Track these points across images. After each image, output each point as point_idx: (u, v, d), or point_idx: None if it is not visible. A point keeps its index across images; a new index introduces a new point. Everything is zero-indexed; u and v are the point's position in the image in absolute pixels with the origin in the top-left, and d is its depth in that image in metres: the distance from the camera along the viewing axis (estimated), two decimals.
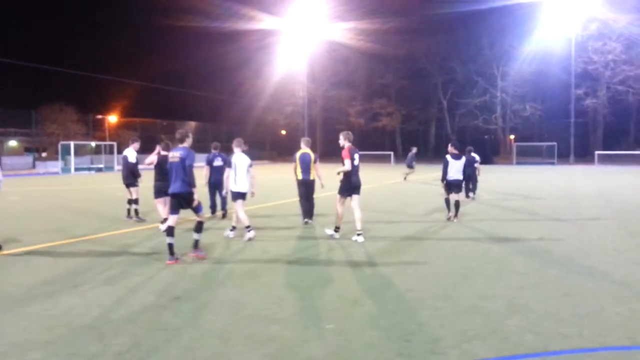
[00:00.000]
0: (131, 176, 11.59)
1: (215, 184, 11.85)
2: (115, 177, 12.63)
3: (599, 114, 55.22)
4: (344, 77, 63.64)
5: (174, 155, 7.51)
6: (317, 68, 61.93)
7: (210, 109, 64.24)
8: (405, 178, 25.13)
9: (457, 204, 11.57)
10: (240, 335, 4.51)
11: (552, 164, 47.02)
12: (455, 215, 11.53)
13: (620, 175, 30.49)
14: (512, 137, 60.57)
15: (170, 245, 7.37)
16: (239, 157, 9.31)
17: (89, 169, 39.51)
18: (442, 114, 64.96)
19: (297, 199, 11.40)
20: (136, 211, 11.62)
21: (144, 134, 52.32)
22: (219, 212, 12.14)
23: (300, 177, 11.02)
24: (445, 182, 11.74)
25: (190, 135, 7.86)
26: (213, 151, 12.27)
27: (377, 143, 67.49)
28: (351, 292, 5.83)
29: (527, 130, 60.67)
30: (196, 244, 7.69)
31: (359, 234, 8.99)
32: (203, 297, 5.65)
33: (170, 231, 7.43)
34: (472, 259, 7.58)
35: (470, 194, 16.24)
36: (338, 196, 9.26)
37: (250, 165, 9.38)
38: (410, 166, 24.89)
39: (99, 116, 53.75)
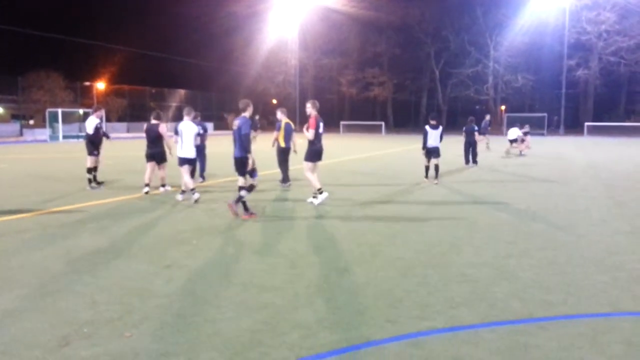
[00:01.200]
0: (90, 145, 11.79)
1: (198, 150, 11.75)
2: (104, 145, 12.47)
3: (590, 85, 55.17)
4: (337, 45, 62.82)
5: (235, 123, 8.28)
6: (309, 36, 60.99)
7: (200, 77, 63.39)
8: (488, 147, 24.57)
9: (437, 167, 12.95)
10: (232, 302, 4.56)
11: (542, 134, 47.23)
12: (436, 177, 12.85)
13: (609, 146, 30.73)
14: (503, 107, 60.56)
15: (244, 202, 8.31)
16: (186, 125, 9.90)
17: (77, 137, 39.09)
18: (435, 84, 64.61)
19: (275, 169, 12.27)
20: (94, 178, 11.85)
21: (132, 101, 51.81)
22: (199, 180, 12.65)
23: (283, 144, 12.15)
24: (425, 149, 12.90)
25: (251, 105, 8.53)
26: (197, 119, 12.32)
27: (368, 113, 67.27)
28: (341, 261, 5.90)
29: (518, 101, 60.64)
30: (245, 206, 8.37)
31: (314, 196, 9.69)
32: (194, 265, 5.69)
33: (250, 190, 8.42)
34: (460, 227, 7.68)
35: (472, 163, 17.79)
36: (306, 164, 9.64)
37: (198, 134, 10.04)
38: (483, 134, 23.37)
39: (87, 83, 52.83)
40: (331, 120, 61.40)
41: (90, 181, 11.81)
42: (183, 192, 10.15)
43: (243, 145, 8.19)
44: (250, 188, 8.46)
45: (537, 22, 52.36)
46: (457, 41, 58.95)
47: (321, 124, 9.70)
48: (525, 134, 23.33)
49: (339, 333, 3.91)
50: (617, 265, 5.75)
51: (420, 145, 13.19)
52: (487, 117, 24.81)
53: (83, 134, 39.84)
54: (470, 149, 17.86)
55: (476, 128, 17.84)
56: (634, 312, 4.38)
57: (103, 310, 4.37)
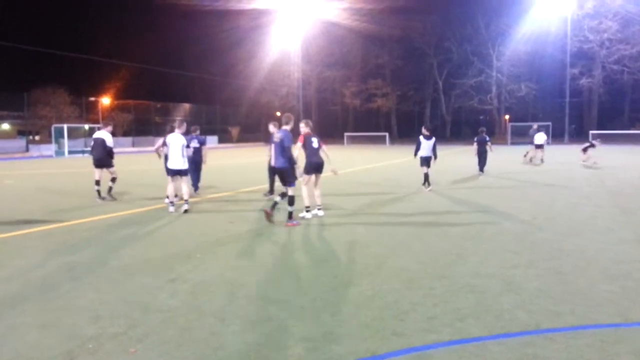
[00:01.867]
0: (108, 157, 12.20)
1: (197, 163, 12.78)
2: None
3: (594, 94, 55.13)
4: (339, 58, 63.15)
5: (277, 136, 8.89)
6: (312, 49, 61.35)
7: (204, 90, 63.84)
8: (540, 159, 23.87)
9: (426, 176, 13.75)
10: (236, 315, 4.54)
11: (547, 143, 47.02)
12: (425, 183, 13.76)
13: (614, 154, 30.60)
14: (507, 117, 60.53)
15: (274, 204, 8.86)
16: (174, 138, 10.31)
17: (83, 152, 39.30)
18: (438, 94, 64.75)
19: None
20: (110, 189, 12.20)
21: (138, 116, 52.15)
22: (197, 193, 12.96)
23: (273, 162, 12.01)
24: (418, 157, 13.82)
25: (292, 119, 9.15)
26: (192, 134, 12.90)
27: (372, 124, 67.40)
28: (346, 273, 5.88)
29: (521, 110, 60.59)
30: (290, 215, 8.83)
31: (319, 209, 9.68)
32: (198, 278, 5.68)
33: (283, 197, 8.87)
34: (466, 238, 7.64)
35: (481, 171, 18.35)
36: (303, 176, 9.55)
37: (187, 146, 10.40)
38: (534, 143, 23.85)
39: (92, 98, 53.26)
40: (335, 131, 61.59)
41: (110, 189, 12.24)
42: (172, 203, 10.40)
43: (287, 156, 8.79)
44: (283, 195, 8.92)
45: (538, 31, 52.51)
46: (459, 52, 59.16)
47: (314, 139, 9.50)
48: (592, 145, 23.59)
49: (344, 346, 3.88)
50: (625, 274, 5.69)
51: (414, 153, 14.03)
52: (535, 126, 25.34)
53: (88, 148, 39.91)
54: (482, 158, 18.39)
55: (487, 138, 18.42)
56: None
57: (107, 325, 4.36)
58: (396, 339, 4.01)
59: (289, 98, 63.99)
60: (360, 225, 8.75)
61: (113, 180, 12.25)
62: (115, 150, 12.72)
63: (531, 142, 24.34)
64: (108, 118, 50.69)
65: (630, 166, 21.42)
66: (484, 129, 18.96)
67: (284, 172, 8.94)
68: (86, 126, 45.84)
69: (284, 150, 8.82)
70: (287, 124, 9.00)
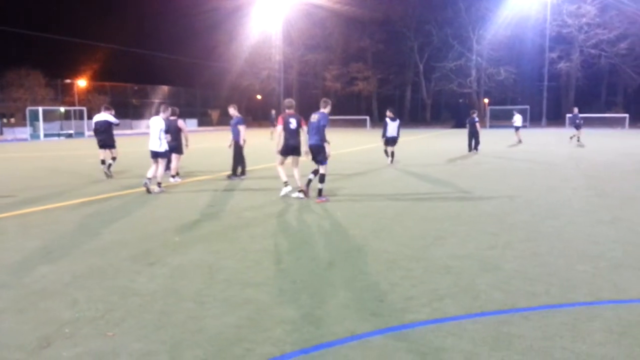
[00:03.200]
0: (111, 138, 13.24)
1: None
2: (86, 143, 12.43)
3: (571, 78, 55.87)
4: (321, 41, 62.77)
5: (314, 117, 9.55)
6: (293, 31, 60.79)
7: (183, 73, 62.90)
8: (578, 140, 24.66)
9: (392, 153, 15.94)
10: (215, 299, 4.53)
11: (525, 127, 47.65)
12: (391, 161, 15.78)
13: (590, 137, 31.11)
14: (486, 100, 61.00)
15: (309, 181, 9.65)
16: (154, 121, 10.75)
17: (59, 135, 38.59)
18: (418, 78, 64.89)
19: (266, 164, 12.29)
20: (109, 165, 13.14)
21: (114, 98, 51.21)
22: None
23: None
24: (384, 138, 15.87)
25: (330, 103, 9.89)
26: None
27: (353, 107, 67.35)
28: (326, 255, 5.90)
29: (501, 93, 61.16)
30: (320, 192, 9.44)
31: (299, 190, 9.79)
32: (177, 262, 5.64)
33: (315, 174, 9.61)
34: (445, 219, 7.72)
35: (474, 150, 20.35)
36: (277, 157, 9.99)
37: (164, 130, 10.72)
38: (578, 126, 24.98)
39: (68, 80, 52.14)
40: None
41: (109, 165, 13.19)
42: (159, 184, 10.74)
43: (321, 135, 9.44)
44: (322, 177, 9.57)
45: (519, 16, 52.82)
46: (440, 35, 59.24)
47: (292, 120, 9.68)
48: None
49: (324, 327, 3.90)
50: (599, 254, 5.81)
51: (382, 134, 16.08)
52: (576, 110, 26.30)
53: (64, 131, 39.10)
54: (473, 138, 20.51)
55: (477, 119, 20.60)
56: (615, 300, 4.43)
57: (84, 309, 4.31)
58: (375, 320, 4.04)
59: (270, 81, 63.55)
60: (341, 208, 8.77)
61: (113, 159, 13.30)
62: (92, 133, 13.21)
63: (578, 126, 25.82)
64: (82, 101, 49.76)
65: (606, 149, 21.82)
66: (475, 110, 21.28)
67: (317, 150, 9.48)
68: (62, 109, 44.94)
69: (319, 129, 9.42)
70: (324, 107, 9.70)
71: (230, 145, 13.13)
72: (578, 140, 24.58)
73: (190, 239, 6.72)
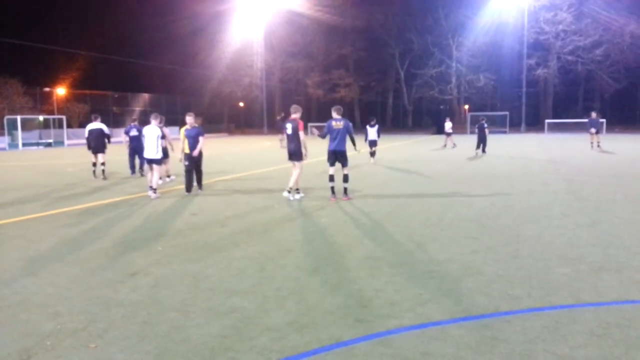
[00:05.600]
0: (103, 145, 14.87)
1: (134, 149, 14.78)
2: (66, 152, 12.33)
3: (549, 84, 56.86)
4: (302, 48, 62.86)
5: (338, 124, 10.17)
6: (275, 38, 60.83)
7: (164, 80, 62.32)
8: (598, 145, 24.86)
9: (374, 153, 19.20)
10: (199, 308, 4.50)
11: (504, 132, 48.36)
12: (373, 159, 18.87)
13: (569, 142, 31.68)
14: (466, 106, 61.71)
15: (332, 188, 10.30)
16: (149, 129, 11.28)
17: (37, 144, 37.97)
18: (400, 84, 65.41)
19: (247, 172, 12.22)
20: (103, 171, 14.66)
21: (94, 106, 50.50)
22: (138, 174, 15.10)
23: (187, 151, 11.40)
24: (367, 142, 19.06)
25: (341, 110, 10.55)
26: (132, 124, 15.37)
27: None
28: (310, 262, 5.90)
29: (480, 100, 62.02)
30: (345, 191, 10.36)
31: (297, 191, 10.55)
32: (160, 272, 5.59)
33: (331, 178, 10.30)
34: (427, 225, 7.78)
35: (480, 151, 22.70)
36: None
37: (161, 137, 11.29)
38: (598, 131, 25.30)
39: (47, 89, 51.37)
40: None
41: (96, 173, 14.79)
42: (154, 189, 11.06)
43: (354, 140, 10.53)
44: (346, 177, 10.38)
45: (497, 23, 53.71)
46: (420, 42, 59.86)
47: (288, 125, 10.45)
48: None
49: (309, 335, 3.91)
50: (578, 257, 5.92)
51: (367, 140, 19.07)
52: (594, 115, 26.23)
53: (43, 140, 38.52)
54: (481, 143, 22.86)
55: (486, 125, 22.91)
56: (595, 302, 4.51)
57: (66, 321, 4.25)
58: (359, 326, 4.06)
59: (252, 88, 63.41)
60: (325, 215, 8.78)
61: (103, 164, 14.74)
62: (72, 142, 13.55)
63: (449, 134, 28.30)
64: (61, 109, 49.11)
65: (584, 154, 22.21)
66: (484, 117, 24.00)
67: (343, 155, 10.23)
68: (41, 117, 44.25)
69: (345, 137, 10.18)
70: (338, 113, 10.32)
71: (180, 160, 11.68)
72: (598, 146, 24.70)
73: (174, 248, 6.67)
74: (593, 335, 3.82)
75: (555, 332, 3.87)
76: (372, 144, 19.32)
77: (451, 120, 28.94)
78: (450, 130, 28.39)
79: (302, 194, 10.63)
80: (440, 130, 51.00)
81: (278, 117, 32.73)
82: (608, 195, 10.54)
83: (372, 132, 19.27)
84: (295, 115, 10.31)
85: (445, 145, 28.21)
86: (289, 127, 10.37)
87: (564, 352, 3.56)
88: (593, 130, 24.88)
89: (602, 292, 4.77)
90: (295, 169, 10.44)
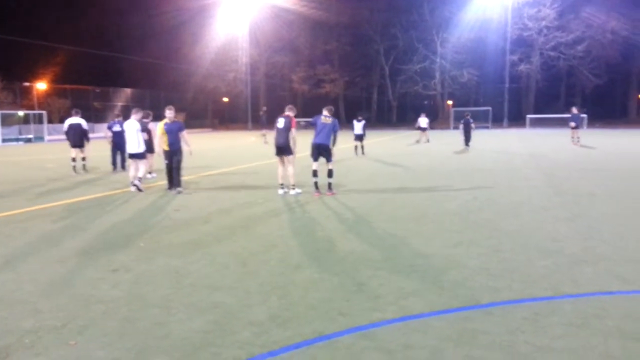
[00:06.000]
0: (83, 140, 15.03)
1: (117, 145, 14.95)
2: (46, 148, 12.20)
3: (532, 79, 57.41)
4: (287, 43, 62.57)
5: (327, 119, 10.38)
6: (260, 33, 60.46)
7: (147, 74, 61.48)
8: (578, 140, 25.03)
9: (360, 147, 20.20)
10: (181, 304, 4.48)
11: (487, 127, 48.78)
12: (362, 153, 20.15)
13: (550, 137, 32.07)
14: (450, 102, 62.08)
15: (315, 183, 10.36)
16: (129, 123, 11.47)
17: (17, 140, 37.36)
18: (385, 80, 65.49)
19: (231, 167, 12.10)
20: (84, 166, 15.12)
21: (75, 101, 49.80)
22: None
23: (166, 147, 10.71)
24: (354, 136, 20.33)
25: (332, 110, 10.76)
26: (115, 119, 15.56)
27: (320, 109, 67.15)
28: (294, 257, 5.90)
29: (464, 95, 62.37)
30: (330, 186, 10.46)
31: (293, 188, 10.48)
32: (142, 268, 5.54)
33: (314, 173, 10.36)
34: (410, 219, 7.83)
35: (466, 146, 23.62)
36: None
37: (141, 131, 11.44)
38: (578, 126, 25.54)
39: (27, 83, 50.51)
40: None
41: (76, 169, 14.88)
42: (139, 180, 11.21)
43: (336, 139, 10.51)
44: (331, 173, 10.45)
45: (481, 19, 54.01)
46: (405, 38, 59.99)
47: (279, 120, 10.50)
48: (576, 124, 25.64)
49: (292, 329, 3.91)
50: (558, 250, 6.00)
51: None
52: (574, 110, 26.44)
53: (23, 136, 38.00)
54: (467, 136, 23.87)
55: (471, 120, 24.33)
56: (574, 294, 4.58)
57: (46, 318, 4.20)
58: (342, 319, 4.07)
59: (236, 83, 62.98)
60: (310, 210, 8.79)
61: (83, 158, 15.17)
62: (52, 137, 13.54)
63: (425, 129, 28.80)
64: (42, 104, 48.37)
65: (565, 149, 22.51)
66: (469, 113, 25.53)
67: (327, 150, 10.34)
68: (20, 112, 43.54)
69: (331, 133, 10.37)
70: (329, 113, 10.52)
71: (165, 157, 10.90)
72: (578, 141, 24.98)
73: (156, 243, 6.62)
74: (572, 326, 3.88)
75: (535, 324, 3.93)
76: (358, 138, 20.21)
77: (427, 116, 29.35)
78: (426, 126, 28.76)
79: (299, 190, 10.53)
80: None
81: (261, 112, 32.78)
82: (588, 189, 10.70)
83: (358, 126, 20.25)
84: (289, 113, 10.44)
85: (418, 140, 28.57)
86: (280, 122, 10.36)
87: (543, 342, 3.61)
88: (572, 124, 25.25)
89: (581, 284, 4.84)
90: (287, 164, 10.44)
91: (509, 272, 5.19)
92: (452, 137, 32.95)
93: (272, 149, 10.88)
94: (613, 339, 3.64)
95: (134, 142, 11.30)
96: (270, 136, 10.74)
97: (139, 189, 10.98)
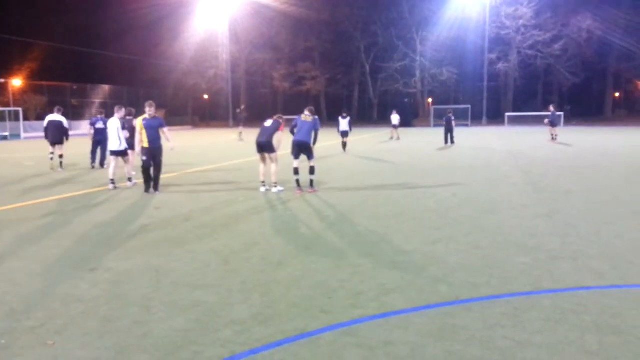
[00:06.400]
0: (62, 136, 15.03)
1: (98, 142, 15.22)
2: (23, 145, 11.97)
3: (510, 78, 58.21)
4: (268, 40, 62.37)
5: (307, 118, 10.40)
6: (240, 30, 60.16)
7: (125, 71, 60.67)
8: (555, 137, 25.34)
9: (345, 144, 20.98)
10: (162, 302, 4.43)
11: (466, 125, 49.28)
12: (344, 150, 20.65)
13: (528, 135, 32.53)
14: (430, 100, 62.55)
15: (297, 181, 10.36)
16: (111, 121, 11.55)
17: None
18: (365, 78, 65.75)
19: (212, 165, 11.94)
20: (61, 163, 14.94)
21: (52, 98, 48.91)
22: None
23: (146, 145, 10.21)
24: (339, 132, 21.05)
25: (313, 110, 10.83)
26: (98, 116, 15.86)
27: (302, 107, 67.01)
28: (275, 255, 5.89)
29: (444, 93, 62.97)
30: (311, 183, 10.46)
31: (275, 185, 10.46)
32: (121, 267, 5.48)
33: (295, 170, 10.32)
34: (391, 216, 7.87)
35: (449, 143, 24.12)
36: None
37: (122, 128, 11.36)
38: (555, 124, 25.87)
39: (2, 80, 49.43)
40: (265, 114, 60.83)
41: (61, 164, 14.93)
42: (112, 181, 11.23)
43: (316, 137, 10.53)
44: (313, 170, 10.47)
45: (460, 18, 54.51)
46: (385, 36, 60.26)
47: (269, 121, 10.65)
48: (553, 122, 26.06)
49: (273, 327, 3.90)
50: (537, 246, 6.09)
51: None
52: (551, 108, 27.25)
53: (2, 134, 36.99)
54: (449, 133, 24.20)
55: (453, 118, 24.53)
56: (552, 289, 4.66)
57: (23, 319, 4.12)
58: (324, 316, 4.08)
59: (217, 80, 62.54)
60: (291, 208, 8.78)
61: (61, 156, 14.98)
62: (29, 135, 13.37)
63: (396, 127, 29.55)
64: (18, 101, 47.39)
65: (542, 146, 22.86)
66: (451, 110, 25.46)
67: (307, 147, 10.32)
68: None
69: (311, 131, 10.38)
70: (311, 113, 10.57)
71: (143, 154, 10.39)
72: (554, 138, 25.36)
73: (136, 242, 6.54)
74: (550, 321, 3.95)
75: (514, 319, 3.98)
76: (344, 134, 20.88)
77: (398, 113, 29.85)
78: (397, 123, 29.30)
79: (281, 188, 10.49)
80: (405, 123, 51.64)
81: (238, 110, 32.95)
82: (565, 186, 10.88)
83: (343, 123, 20.88)
84: (280, 120, 10.59)
85: (391, 138, 29.17)
86: (268, 122, 10.50)
87: (522, 337, 3.66)
88: (546, 121, 26.10)
89: (559, 279, 4.93)
90: (269, 162, 10.47)
91: (488, 268, 5.26)
92: (433, 135, 33.22)
93: (250, 147, 10.85)
94: (590, 334, 3.72)
95: (115, 139, 11.35)
96: (247, 134, 10.71)
97: (130, 181, 11.50)
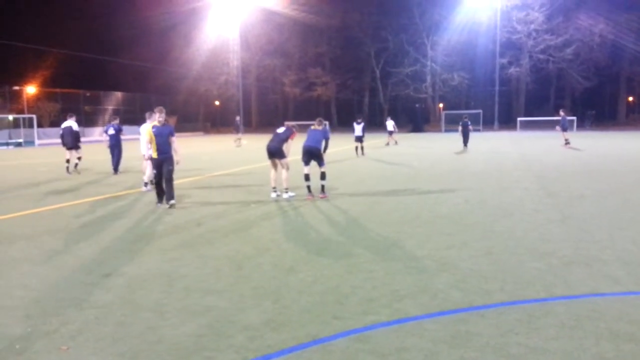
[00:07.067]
0: (76, 141, 15.53)
1: (110, 147, 15.13)
2: (37, 152, 12.10)
3: (521, 82, 57.80)
4: (278, 46, 62.60)
5: (317, 128, 10.79)
6: (251, 36, 60.49)
7: (137, 78, 61.26)
8: (567, 142, 25.14)
9: (361, 149, 21.63)
10: (174, 308, 4.45)
11: (478, 130, 49.02)
12: (362, 153, 21.45)
13: (540, 140, 32.28)
14: (441, 105, 62.34)
15: (308, 187, 10.44)
16: (142, 128, 11.65)
17: (7, 144, 37.03)
18: (376, 83, 65.67)
19: (223, 171, 12.12)
20: (76, 165, 15.50)
21: (66, 105, 49.48)
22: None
23: (155, 155, 9.54)
24: (355, 137, 21.77)
25: (324, 121, 11.27)
26: (112, 122, 15.79)
27: (312, 113, 67.43)
28: (287, 260, 5.89)
29: (455, 98, 62.66)
30: (322, 189, 10.53)
31: (286, 191, 10.45)
32: (134, 272, 5.51)
33: (306, 177, 10.45)
34: (404, 222, 7.84)
35: (465, 147, 24.63)
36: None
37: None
38: (566, 129, 25.84)
39: (16, 87, 50.10)
40: (275, 120, 61.14)
41: (69, 169, 15.33)
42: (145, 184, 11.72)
43: (327, 145, 11.09)
44: (324, 175, 10.59)
45: (471, 22, 54.36)
46: (395, 41, 60.20)
47: (282, 128, 10.69)
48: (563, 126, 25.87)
49: (286, 333, 3.90)
50: (550, 252, 6.03)
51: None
52: (390, 120, 30.28)
53: (13, 140, 37.70)
54: (466, 138, 24.90)
55: (469, 123, 25.27)
56: (566, 296, 4.61)
57: (38, 323, 4.15)
58: (336, 322, 4.07)
59: (228, 86, 62.84)
60: (303, 213, 8.78)
61: (79, 159, 15.59)
62: (42, 142, 13.62)
63: (391, 133, 30.19)
64: (32, 108, 47.98)
65: (555, 151, 22.67)
66: (467, 116, 26.56)
67: (318, 154, 10.51)
68: (10, 117, 43.17)
69: (322, 137, 10.71)
70: (319, 124, 10.91)
71: (148, 159, 10.54)
72: (568, 143, 25.10)
73: (148, 247, 6.58)
74: (565, 327, 3.90)
75: (528, 325, 3.94)
76: (358, 139, 21.64)
77: (393, 119, 30.78)
78: (392, 129, 29.84)
79: (292, 193, 10.49)
80: (415, 129, 51.53)
81: (237, 117, 33.66)
82: (578, 191, 10.78)
83: (358, 128, 21.61)
84: (293, 129, 10.73)
85: (388, 144, 29.57)
86: (281, 129, 10.58)
87: (537, 344, 3.62)
88: (557, 127, 26.17)
89: (573, 285, 4.87)
90: (280, 167, 10.46)
91: (501, 274, 5.21)
92: (444, 140, 33.09)
93: (256, 153, 10.91)
94: (606, 341, 3.67)
95: (143, 144, 11.70)
96: (249, 139, 10.88)
97: (146, 186, 11.70)
